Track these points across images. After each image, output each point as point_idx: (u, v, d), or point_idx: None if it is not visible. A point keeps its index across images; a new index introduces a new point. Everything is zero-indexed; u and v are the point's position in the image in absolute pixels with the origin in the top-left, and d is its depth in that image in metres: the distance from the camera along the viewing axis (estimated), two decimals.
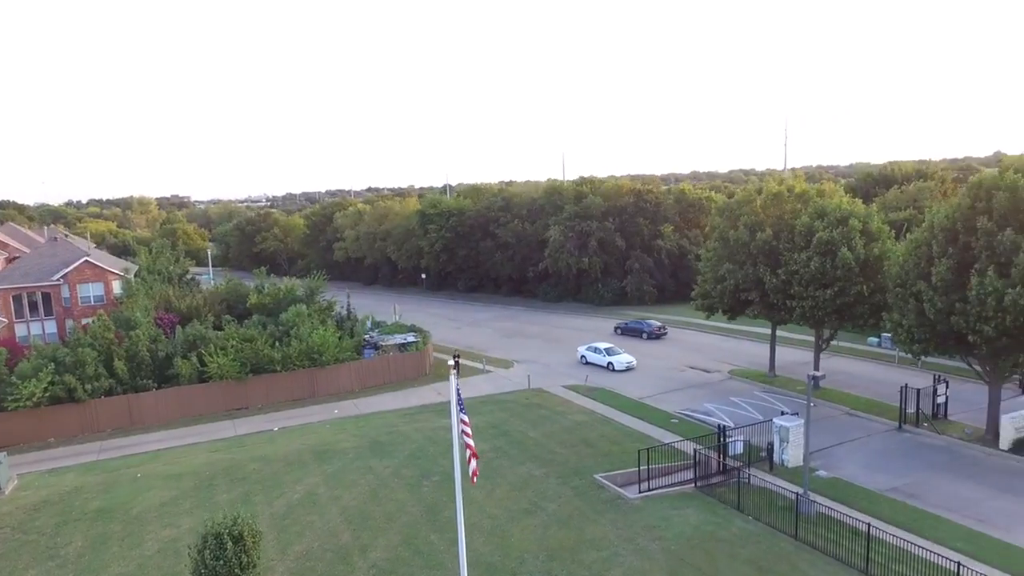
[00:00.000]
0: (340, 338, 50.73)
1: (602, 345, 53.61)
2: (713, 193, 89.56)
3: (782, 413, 33.33)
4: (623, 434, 36.81)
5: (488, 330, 69.23)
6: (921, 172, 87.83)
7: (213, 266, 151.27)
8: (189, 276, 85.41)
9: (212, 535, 20.09)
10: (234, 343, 46.57)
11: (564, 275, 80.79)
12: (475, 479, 19.69)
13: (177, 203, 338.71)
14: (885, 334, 46.05)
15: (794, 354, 51.41)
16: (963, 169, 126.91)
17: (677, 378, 48.56)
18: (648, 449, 30.26)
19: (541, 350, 59.07)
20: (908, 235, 34.36)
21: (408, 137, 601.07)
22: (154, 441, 40.75)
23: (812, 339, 45.49)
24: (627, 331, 63.72)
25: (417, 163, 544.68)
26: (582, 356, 53.78)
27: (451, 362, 19.27)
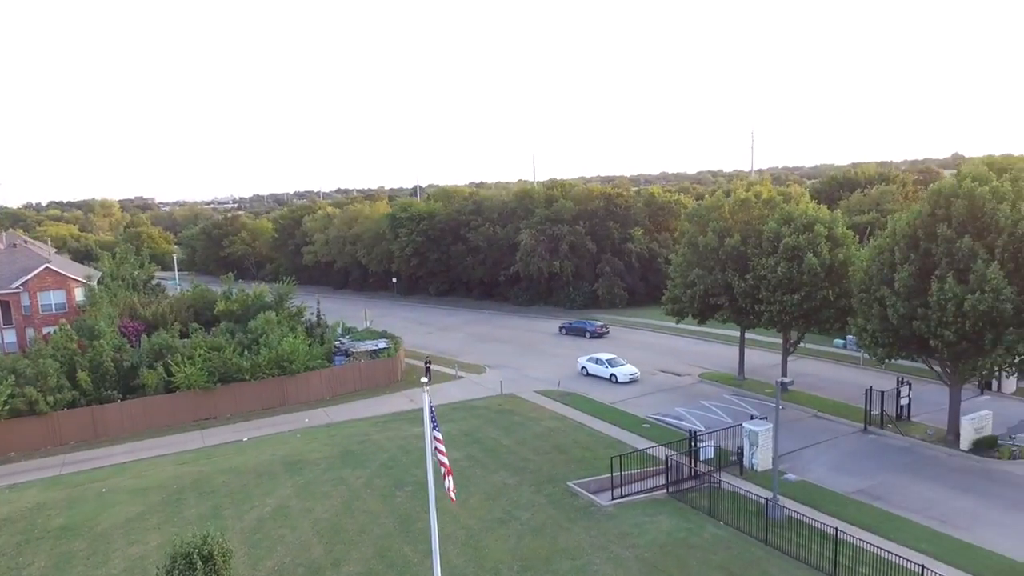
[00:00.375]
0: (310, 345, 50.25)
1: (604, 355, 50.86)
2: (682, 196, 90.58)
3: (752, 417, 33.85)
4: (595, 440, 37.02)
5: (460, 335, 69.11)
6: (883, 175, 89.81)
7: (179, 271, 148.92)
8: (154, 282, 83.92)
9: (181, 555, 19.77)
10: (202, 352, 45.82)
11: (535, 279, 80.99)
12: (453, 496, 19.64)
13: (141, 205, 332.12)
14: (850, 336, 46.98)
15: (763, 356, 52.20)
16: (923, 171, 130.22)
17: (649, 382, 48.96)
18: (620, 456, 30.47)
19: (513, 355, 59.14)
20: (872, 239, 35.10)
21: (378, 138, 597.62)
22: (120, 454, 39.94)
23: (780, 342, 46.27)
24: (571, 331, 65.66)
25: (387, 164, 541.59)
26: (582, 367, 51.20)
27: (424, 380, 19.17)
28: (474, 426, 39.63)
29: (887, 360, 34.65)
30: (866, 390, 37.68)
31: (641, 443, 36.22)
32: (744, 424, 33.10)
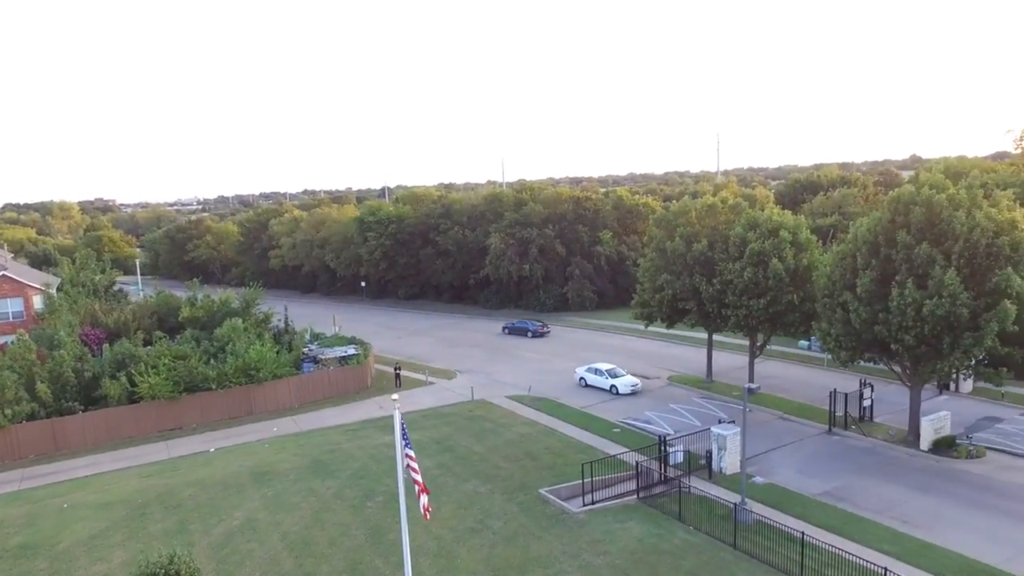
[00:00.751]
0: (278, 353, 49.63)
1: (604, 366, 49.20)
2: (650, 199, 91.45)
3: (720, 421, 34.34)
4: (566, 445, 37.19)
5: (430, 339, 68.88)
6: (845, 178, 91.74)
7: (142, 275, 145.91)
8: (116, 288, 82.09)
9: None
10: (166, 361, 44.96)
11: (505, 282, 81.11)
12: (427, 515, 19.58)
13: (101, 207, 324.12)
14: (814, 338, 47.83)
15: (730, 359, 52.91)
16: (883, 173, 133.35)
17: None
18: (591, 463, 30.66)
19: (484, 359, 59.12)
20: (834, 242, 35.85)
21: (345, 139, 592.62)
22: (82, 467, 38.99)
23: (747, 344, 47.00)
24: (513, 330, 68.74)
25: (355, 165, 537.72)
26: (581, 378, 49.29)
27: (394, 397, 19.05)
28: (445, 433, 39.53)
29: (850, 363, 35.32)
30: (830, 392, 38.45)
31: (612, 448, 36.49)
32: (712, 428, 33.54)
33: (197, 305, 60.87)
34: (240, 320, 52.69)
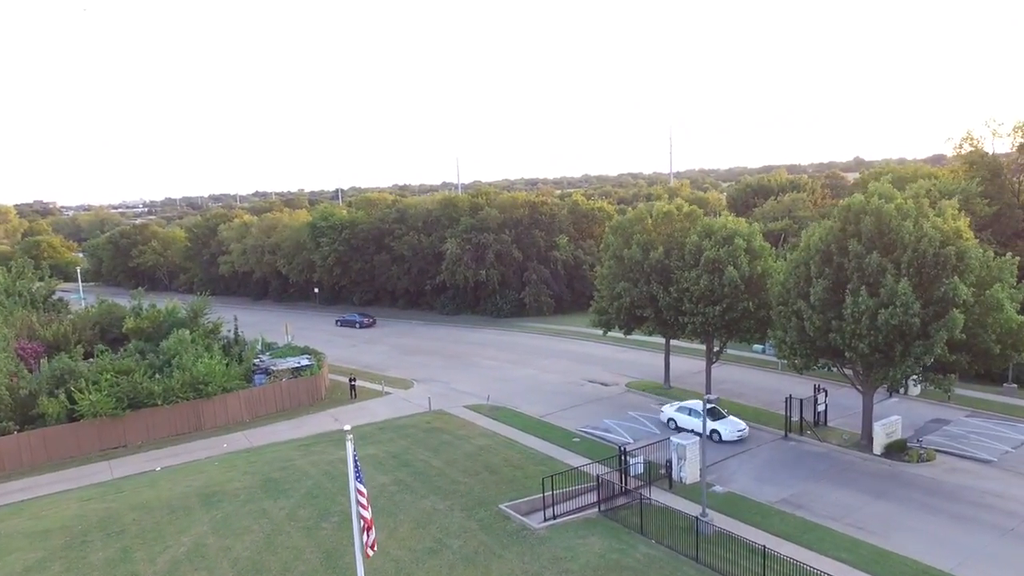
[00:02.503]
0: (227, 365, 48.05)
1: (694, 404, 39.99)
2: (605, 203, 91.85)
3: (675, 427, 34.26)
4: (526, 457, 36.77)
5: (385, 347, 67.77)
6: (794, 183, 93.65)
7: (84, 282, 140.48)
8: (56, 297, 78.65)
9: None
10: (108, 376, 43.06)
11: (462, 288, 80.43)
12: (371, 552, 18.92)
13: (41, 210, 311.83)
14: (768, 342, 48.35)
15: (687, 363, 53.25)
16: (830, 176, 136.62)
17: (577, 393, 49.16)
18: (552, 476, 30.28)
19: (441, 368, 58.36)
20: (786, 246, 36.27)
21: (297, 140, 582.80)
22: (16, 491, 36.97)
23: (703, 348, 47.32)
24: (344, 323, 79.53)
25: (307, 166, 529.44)
26: (669, 419, 40.59)
27: (346, 428, 18.35)
28: (402, 447, 38.70)
29: (804, 370, 35.73)
30: (786, 398, 38.86)
31: (572, 459, 36.24)
32: (672, 438, 33.51)
33: (142, 315, 58.89)
34: (187, 331, 50.89)
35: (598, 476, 30.69)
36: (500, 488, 32.58)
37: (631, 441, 39.23)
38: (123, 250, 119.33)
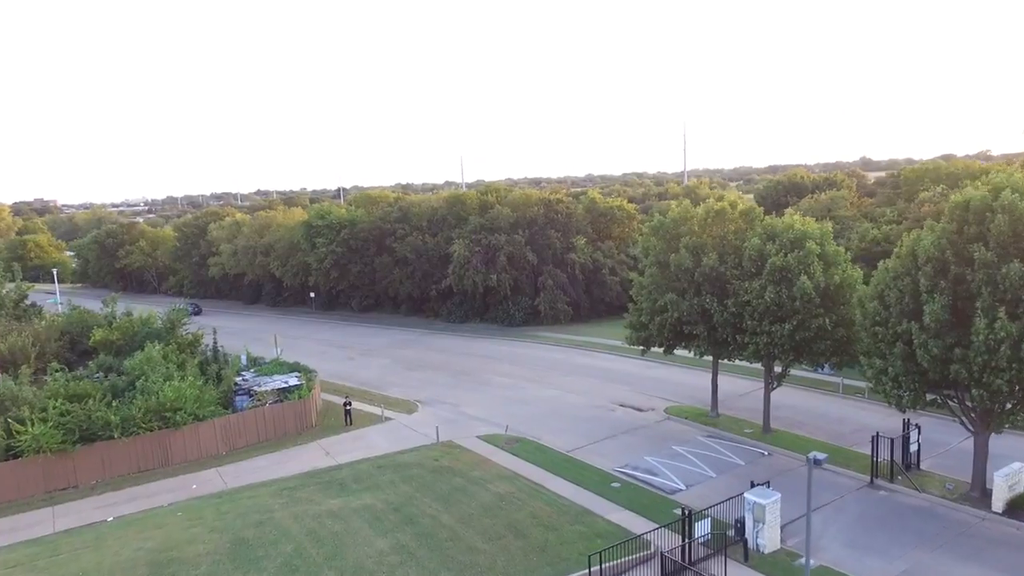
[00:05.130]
0: (204, 385, 41.26)
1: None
2: (625, 202, 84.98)
3: (753, 484, 27.42)
4: (558, 510, 29.90)
5: (386, 360, 60.93)
6: (829, 180, 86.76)
7: (72, 284, 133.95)
8: (28, 302, 71.86)
9: None
10: (56, 404, 36.26)
11: (470, 293, 73.59)
12: None
13: (40, 209, 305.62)
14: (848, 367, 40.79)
15: (731, 384, 46.36)
16: (852, 174, 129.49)
17: (607, 420, 42.33)
18: (600, 552, 23.47)
19: (448, 386, 51.55)
20: (883, 263, 29.34)
21: (300, 139, 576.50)
22: None
23: (748, 366, 40.54)
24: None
25: (309, 165, 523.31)
26: None
27: None
28: (405, 496, 31.83)
29: (912, 408, 28.74)
30: (873, 436, 31.94)
31: (612, 510, 29.62)
32: (746, 495, 26.61)
33: (113, 326, 52.31)
34: (156, 347, 44.22)
35: (661, 554, 23.82)
36: (530, 559, 25.72)
37: (681, 486, 32.49)
38: (109, 250, 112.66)
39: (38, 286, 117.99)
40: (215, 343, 49.80)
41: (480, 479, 33.56)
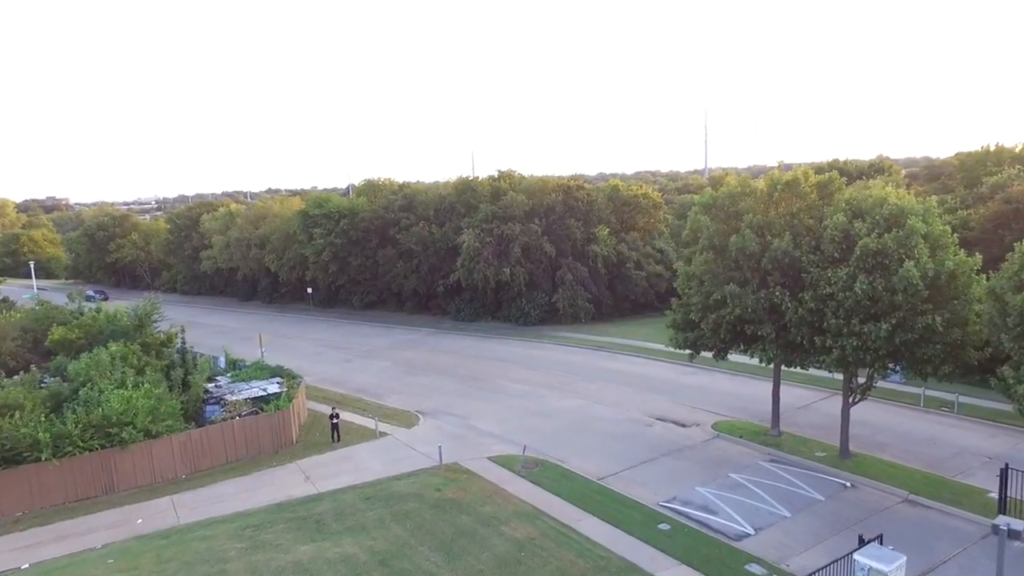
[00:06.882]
0: (165, 394, 34.61)
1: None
2: (651, 190, 77.78)
3: (863, 541, 20.19)
4: (595, 566, 22.90)
5: (386, 363, 54.08)
6: (876, 166, 79.23)
7: (66, 280, 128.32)
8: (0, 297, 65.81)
9: None
10: None
11: (480, 289, 66.61)
12: None
13: (48, 206, 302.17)
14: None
15: (787, 394, 38.62)
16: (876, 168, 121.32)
17: (644, 438, 35.30)
18: None
19: (456, 393, 44.65)
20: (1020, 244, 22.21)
21: (310, 136, 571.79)
22: None
23: (806, 372, 33.26)
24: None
25: (320, 163, 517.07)
26: None
27: None
28: (396, 541, 24.92)
29: None
30: (1001, 469, 24.68)
31: (666, 566, 22.87)
32: (857, 557, 19.40)
33: (73, 324, 45.98)
34: (113, 346, 37.75)
35: None
36: None
37: (749, 530, 25.47)
38: (99, 244, 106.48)
39: (26, 281, 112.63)
40: (183, 342, 43.15)
41: (492, 518, 26.60)
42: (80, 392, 33.13)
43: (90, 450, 30.81)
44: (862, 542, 20.09)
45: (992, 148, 71.63)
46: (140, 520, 28.69)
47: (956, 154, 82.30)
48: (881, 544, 20.13)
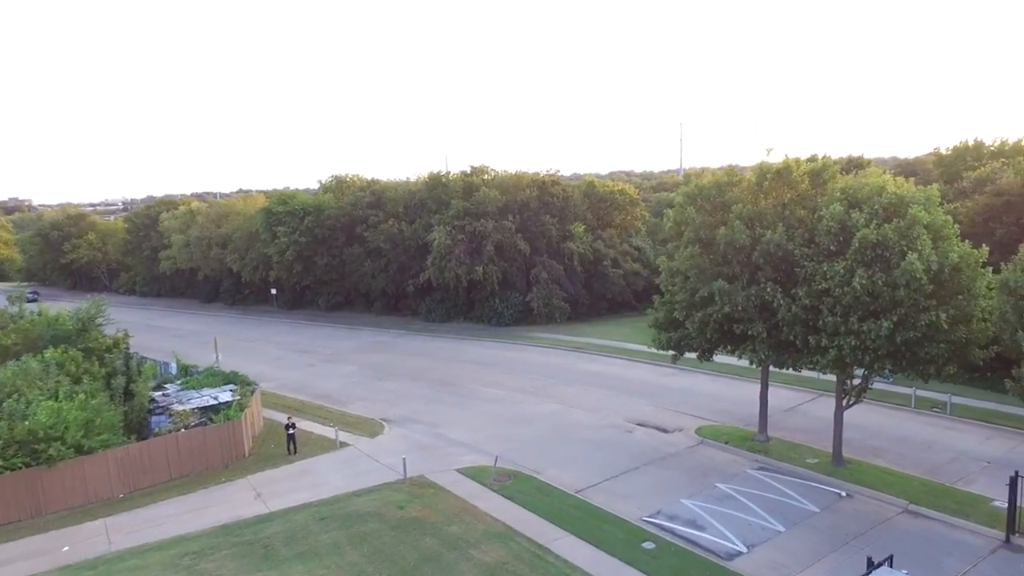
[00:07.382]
0: (104, 404, 31.56)
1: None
2: (627, 186, 75.78)
3: (871, 563, 17.98)
4: None
5: (351, 367, 51.24)
6: (855, 161, 77.94)
7: (19, 283, 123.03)
8: None
9: None
10: None
11: (452, 288, 64.03)
12: None
13: (12, 207, 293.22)
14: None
15: (773, 395, 36.71)
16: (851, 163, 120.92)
17: (625, 445, 33.03)
18: None
19: (425, 399, 42.04)
20: None
21: (282, 136, 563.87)
22: None
23: (791, 372, 31.24)
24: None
25: (291, 164, 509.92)
26: None
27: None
28: (351, 569, 22.28)
29: None
30: (1011, 478, 22.76)
31: None
32: None
33: (11, 328, 42.65)
34: (48, 352, 34.57)
35: None
36: None
37: (742, 547, 23.28)
38: (54, 244, 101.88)
39: None
40: (127, 353, 39.98)
41: (460, 539, 24.08)
42: (3, 404, 29.94)
43: (12, 469, 27.70)
44: (871, 564, 17.93)
45: (971, 143, 70.76)
46: (66, 548, 25.68)
47: (933, 151, 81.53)
48: (892, 567, 18.01)
